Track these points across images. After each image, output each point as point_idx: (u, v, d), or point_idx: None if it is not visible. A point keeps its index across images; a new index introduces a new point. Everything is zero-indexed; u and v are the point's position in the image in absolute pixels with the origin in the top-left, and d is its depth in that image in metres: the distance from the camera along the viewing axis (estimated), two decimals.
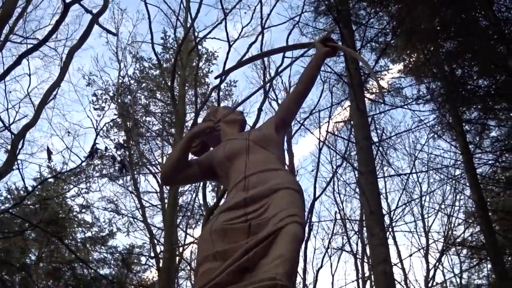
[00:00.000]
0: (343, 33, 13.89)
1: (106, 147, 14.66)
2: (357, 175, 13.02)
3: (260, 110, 15.59)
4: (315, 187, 17.08)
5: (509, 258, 17.57)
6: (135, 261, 26.69)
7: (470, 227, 21.56)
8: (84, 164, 20.35)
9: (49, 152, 13.09)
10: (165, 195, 20.93)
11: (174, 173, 4.87)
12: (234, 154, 4.75)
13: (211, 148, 5.30)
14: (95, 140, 14.92)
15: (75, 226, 26.67)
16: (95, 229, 27.14)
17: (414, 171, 24.08)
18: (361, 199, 16.56)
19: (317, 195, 17.40)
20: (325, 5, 16.11)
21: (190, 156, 5.17)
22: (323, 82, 21.11)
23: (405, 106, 18.85)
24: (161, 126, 26.22)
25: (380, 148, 17.09)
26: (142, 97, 26.73)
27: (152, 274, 25.72)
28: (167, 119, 25.90)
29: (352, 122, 15.36)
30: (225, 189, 5.88)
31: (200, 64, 24.09)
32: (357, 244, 25.35)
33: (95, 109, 24.86)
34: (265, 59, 21.96)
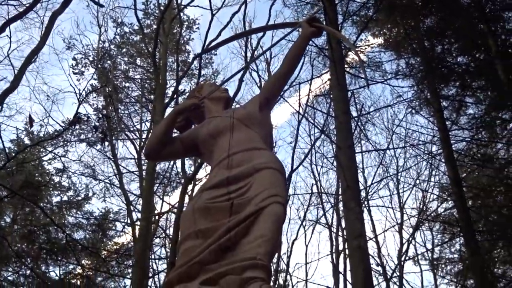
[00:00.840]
0: (326, 6, 13.87)
1: (88, 117, 14.45)
2: (335, 149, 13.07)
3: (241, 81, 15.52)
4: (292, 159, 17.09)
5: (482, 235, 17.79)
6: (111, 226, 26.70)
7: (444, 203, 21.77)
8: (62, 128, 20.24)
9: (31, 120, 12.97)
10: (143, 162, 20.93)
11: (158, 149, 4.89)
12: (218, 132, 4.77)
13: (194, 125, 5.32)
14: (77, 108, 14.77)
15: (51, 189, 26.51)
16: (70, 193, 27.05)
17: (391, 146, 24.13)
18: (338, 174, 16.66)
19: (294, 167, 17.39)
20: None
21: (174, 132, 5.21)
22: (304, 54, 20.98)
23: (385, 82, 18.85)
24: (140, 92, 26.08)
25: (359, 123, 17.12)
26: (122, 62, 26.54)
27: (127, 240, 25.73)
28: (146, 85, 25.77)
29: (331, 96, 15.37)
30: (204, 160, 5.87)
31: (182, 31, 23.92)
32: (332, 217, 25.57)
33: (74, 73, 24.61)
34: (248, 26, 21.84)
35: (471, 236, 15.86)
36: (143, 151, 5.15)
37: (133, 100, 25.48)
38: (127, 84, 26.23)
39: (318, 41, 18.11)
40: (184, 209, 4.48)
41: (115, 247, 25.98)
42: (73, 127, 14.81)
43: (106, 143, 18.52)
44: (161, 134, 4.90)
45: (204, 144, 4.85)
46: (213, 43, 15.63)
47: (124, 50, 26.20)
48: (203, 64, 24.55)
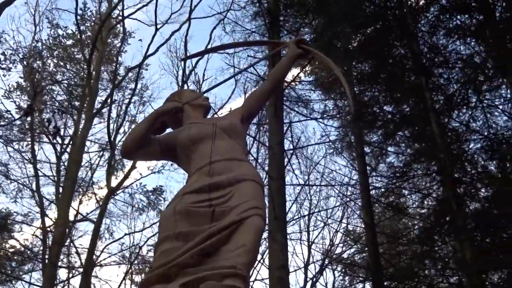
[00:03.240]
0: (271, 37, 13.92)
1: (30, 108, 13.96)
2: (267, 179, 13.09)
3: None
4: None
5: (390, 281, 18.09)
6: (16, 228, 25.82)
7: (354, 246, 22.09)
8: None
9: None
10: (61, 167, 20.41)
11: (135, 148, 4.82)
12: (199, 138, 4.76)
13: (169, 129, 5.30)
14: (32, 100, 14.29)
15: None
16: None
17: (308, 183, 24.27)
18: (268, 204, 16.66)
19: None
20: (259, 8, 16.15)
21: None
22: (238, 81, 21.10)
23: (318, 119, 19.07)
24: (66, 97, 25.45)
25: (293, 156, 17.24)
26: (52, 64, 25.86)
27: (32, 243, 24.97)
28: (73, 91, 25.18)
29: (267, 126, 15.42)
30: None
31: (116, 42, 23.62)
32: None
33: (1, 68, 23.82)
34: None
35: (380, 283, 16.08)
36: (120, 148, 4.98)
37: (58, 104, 24.76)
38: (53, 88, 25.51)
39: (260, 69, 18.22)
40: (164, 210, 4.37)
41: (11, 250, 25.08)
42: (24, 118, 14.31)
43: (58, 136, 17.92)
44: (140, 133, 4.82)
45: (183, 148, 4.82)
46: (148, 57, 15.44)
47: (56, 52, 25.53)
48: (134, 78, 24.18)
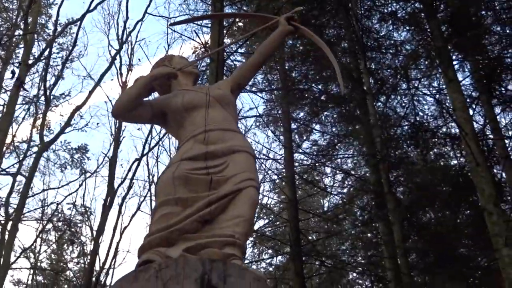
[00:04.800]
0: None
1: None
2: None
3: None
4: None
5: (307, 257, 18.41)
6: None
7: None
8: None
9: None
10: None
11: (128, 109, 4.81)
12: (192, 106, 4.79)
13: (156, 94, 5.32)
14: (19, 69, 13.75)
15: None
16: None
17: None
18: None
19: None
20: None
21: None
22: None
23: (252, 91, 18.98)
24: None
25: None
26: None
27: None
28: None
29: None
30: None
31: None
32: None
33: None
34: None
35: (299, 257, 16.29)
36: (112, 110, 4.89)
37: None
38: None
39: None
40: (161, 174, 4.35)
41: None
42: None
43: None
44: (134, 96, 4.82)
45: (175, 115, 4.84)
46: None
47: None
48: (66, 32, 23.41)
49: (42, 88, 19.02)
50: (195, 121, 4.70)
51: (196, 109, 4.77)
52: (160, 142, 26.03)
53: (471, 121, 12.90)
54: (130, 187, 25.07)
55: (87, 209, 27.04)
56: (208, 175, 4.34)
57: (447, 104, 15.42)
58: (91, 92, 21.89)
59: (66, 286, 34.00)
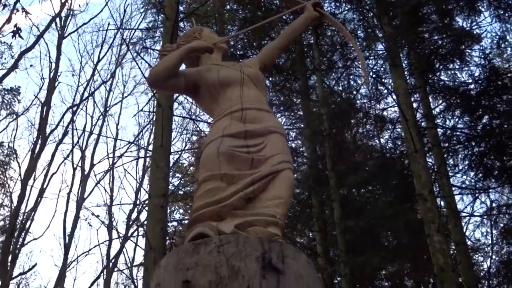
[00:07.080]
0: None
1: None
2: (155, 106, 12.87)
3: None
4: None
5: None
6: None
7: None
8: None
9: None
10: None
11: (165, 78, 4.84)
12: (228, 82, 4.84)
13: (183, 66, 5.28)
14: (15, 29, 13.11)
15: None
16: None
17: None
18: (155, 130, 16.20)
19: None
20: None
21: None
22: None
23: None
24: None
25: None
26: None
27: None
28: None
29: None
30: None
31: None
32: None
33: None
34: None
35: None
36: (147, 78, 4.96)
37: None
38: None
39: None
40: (204, 148, 4.44)
41: None
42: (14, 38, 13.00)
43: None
44: (171, 65, 4.85)
45: (209, 89, 4.89)
46: None
47: None
48: None
49: None
50: (230, 97, 4.76)
51: (232, 86, 4.83)
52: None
53: (412, 107, 13.18)
54: (64, 134, 24.66)
55: (14, 150, 26.32)
56: (249, 154, 4.42)
57: (389, 88, 15.71)
58: None
59: None
